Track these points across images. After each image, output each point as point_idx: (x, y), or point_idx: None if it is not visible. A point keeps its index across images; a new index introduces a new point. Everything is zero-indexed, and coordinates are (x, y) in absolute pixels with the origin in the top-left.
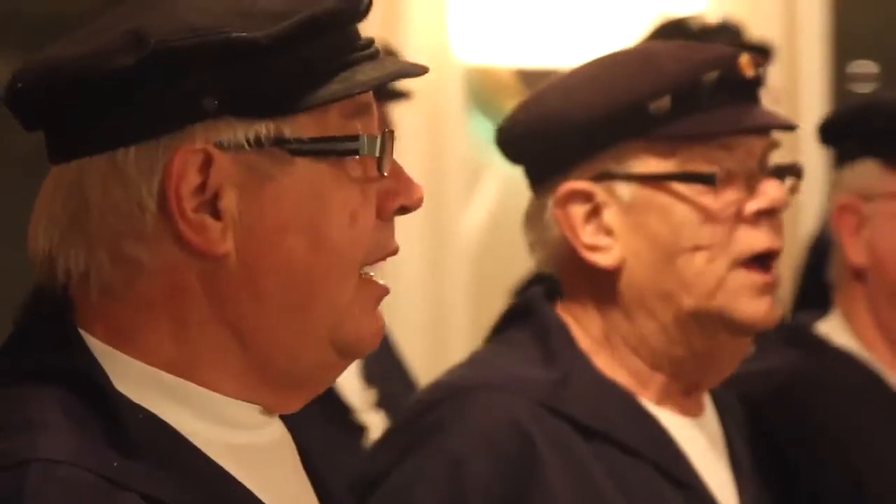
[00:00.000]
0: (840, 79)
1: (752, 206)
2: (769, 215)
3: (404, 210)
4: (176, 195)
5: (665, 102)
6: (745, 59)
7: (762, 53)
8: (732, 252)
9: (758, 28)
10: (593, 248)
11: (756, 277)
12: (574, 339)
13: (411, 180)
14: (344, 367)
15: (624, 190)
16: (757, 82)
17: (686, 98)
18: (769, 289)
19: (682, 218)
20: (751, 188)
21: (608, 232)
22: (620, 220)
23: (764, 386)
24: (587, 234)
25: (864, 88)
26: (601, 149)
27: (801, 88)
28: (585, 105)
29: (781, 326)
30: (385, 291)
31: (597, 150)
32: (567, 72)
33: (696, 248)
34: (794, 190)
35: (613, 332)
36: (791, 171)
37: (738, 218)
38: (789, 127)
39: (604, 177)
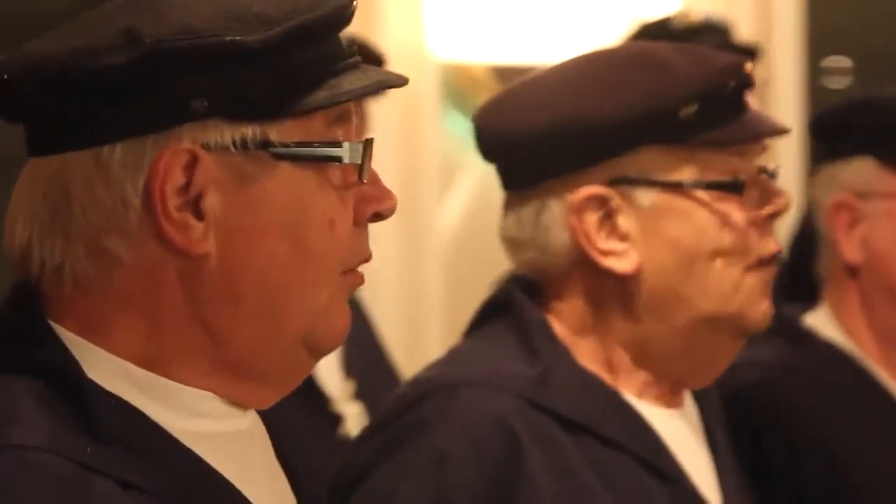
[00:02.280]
0: (814, 74)
1: (766, 211)
2: (773, 218)
3: (379, 217)
4: (160, 194)
5: (692, 109)
6: (750, 66)
7: (753, 55)
8: (749, 257)
9: (732, 23)
10: (608, 254)
11: (762, 280)
12: (555, 334)
13: (386, 188)
14: (314, 364)
15: (643, 195)
16: (751, 87)
17: (711, 105)
18: (768, 290)
19: (703, 224)
20: (761, 193)
21: (623, 237)
22: (638, 225)
23: (749, 377)
24: (602, 240)
25: (839, 83)
26: (619, 153)
27: (775, 84)
28: (605, 108)
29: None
30: (361, 280)
31: (614, 155)
32: (554, 69)
33: (716, 254)
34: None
35: (605, 330)
36: (775, 175)
37: (753, 223)
38: (787, 131)
39: (621, 181)
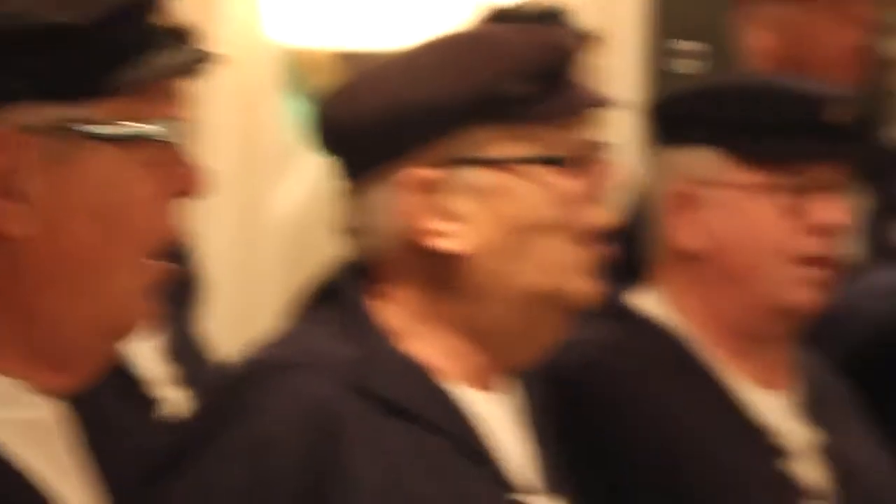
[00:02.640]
0: (660, 57)
1: (592, 184)
2: (600, 192)
3: (185, 195)
4: None
5: (521, 86)
6: (578, 43)
7: (588, 37)
8: (579, 231)
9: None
10: (440, 235)
11: (589, 257)
12: (380, 320)
13: (195, 166)
14: (115, 350)
15: (472, 174)
16: (577, 63)
17: (539, 81)
18: (595, 267)
19: (532, 200)
20: (587, 167)
21: (455, 217)
22: (469, 205)
23: (578, 357)
24: (433, 221)
25: (687, 67)
26: (446, 134)
27: (618, 66)
28: (432, 89)
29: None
30: (164, 271)
31: (441, 136)
32: (399, 55)
33: (547, 229)
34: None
35: (438, 313)
36: (605, 148)
37: (582, 196)
38: (615, 103)
39: (450, 162)
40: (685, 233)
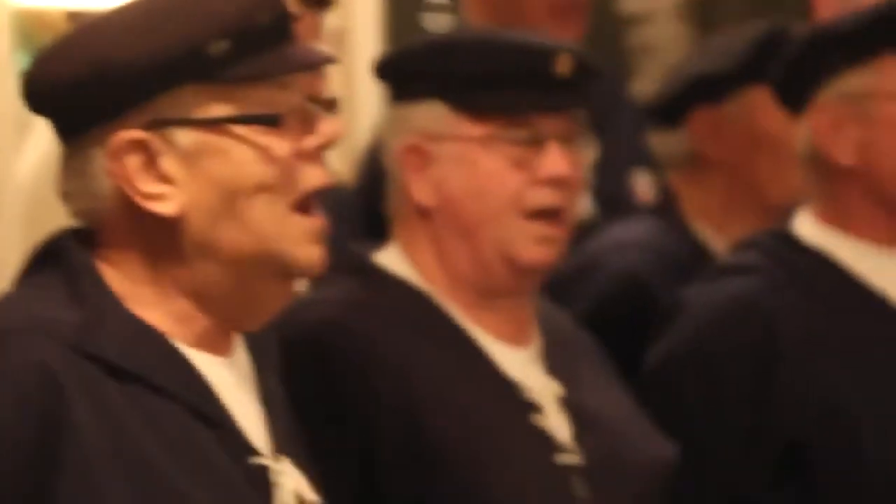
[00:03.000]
0: (408, 11)
1: (311, 143)
2: (321, 150)
3: None
4: None
5: (223, 45)
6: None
7: None
8: (294, 192)
9: None
10: (151, 197)
11: (310, 222)
12: (104, 281)
13: None
14: None
15: (182, 136)
16: (293, 19)
17: (243, 40)
18: (318, 233)
19: (243, 160)
20: (305, 125)
21: (167, 180)
22: (179, 166)
23: (316, 315)
24: (144, 184)
25: (436, 22)
26: (154, 95)
27: (360, 22)
28: (135, 50)
29: (340, 257)
30: None
31: (149, 97)
32: (107, 14)
33: (259, 190)
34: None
35: (162, 277)
36: (332, 105)
37: (298, 156)
38: (335, 62)
39: (159, 124)
40: (418, 188)
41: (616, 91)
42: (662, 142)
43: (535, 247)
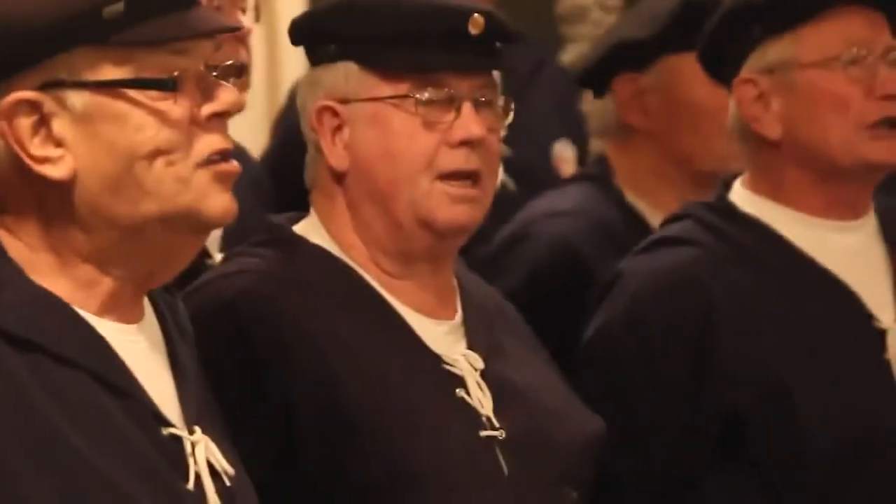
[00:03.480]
0: None
1: (207, 110)
2: (221, 117)
3: None
4: None
5: (118, 7)
6: None
7: None
8: (192, 155)
9: None
10: (43, 161)
11: (215, 173)
12: (4, 250)
13: None
14: None
15: (75, 98)
16: None
17: (138, 3)
18: (224, 181)
19: (138, 124)
20: (204, 92)
21: (59, 143)
22: (72, 129)
23: (234, 285)
24: (35, 146)
25: None
26: (48, 56)
27: None
28: (29, 10)
29: (257, 227)
30: None
31: (43, 58)
32: None
33: (156, 154)
34: (242, 88)
35: (62, 243)
36: (235, 72)
37: (194, 122)
38: (237, 29)
39: (52, 85)
40: (332, 152)
41: (541, 58)
42: (593, 110)
43: (451, 206)
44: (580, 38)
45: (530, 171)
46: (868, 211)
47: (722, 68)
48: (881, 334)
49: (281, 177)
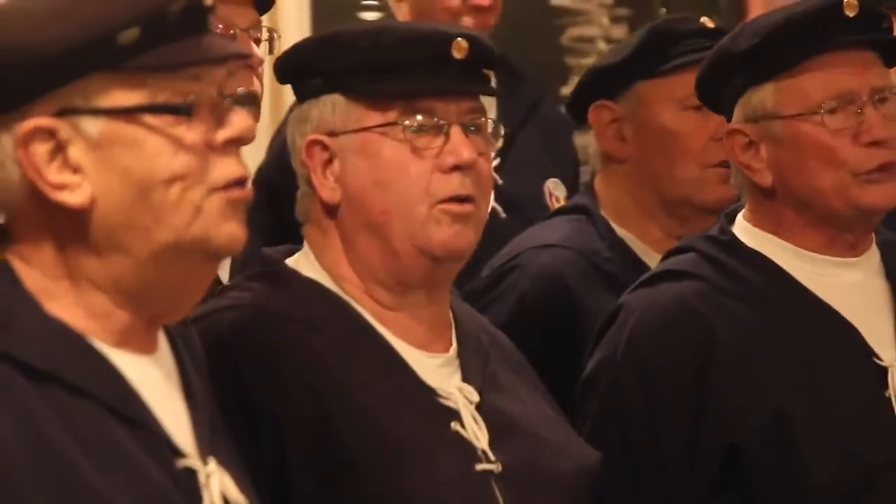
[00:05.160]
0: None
1: (222, 136)
2: (235, 144)
3: None
4: None
5: (133, 33)
6: None
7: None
8: (207, 181)
9: None
10: (60, 187)
11: (226, 201)
12: (19, 280)
13: None
14: None
15: (91, 125)
16: (210, 10)
17: (153, 29)
18: (236, 211)
19: (154, 150)
20: (218, 117)
21: (76, 169)
22: (88, 156)
23: (231, 319)
24: (52, 173)
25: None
26: (63, 82)
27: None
28: (44, 37)
29: (251, 262)
30: None
31: (58, 84)
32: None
33: (171, 180)
34: (255, 118)
35: (77, 272)
36: (248, 100)
37: (209, 147)
38: (250, 55)
39: (68, 112)
40: (323, 185)
41: (540, 96)
42: (582, 141)
43: (447, 227)
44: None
45: (521, 203)
46: (869, 247)
47: (721, 111)
48: (882, 371)
49: (277, 188)
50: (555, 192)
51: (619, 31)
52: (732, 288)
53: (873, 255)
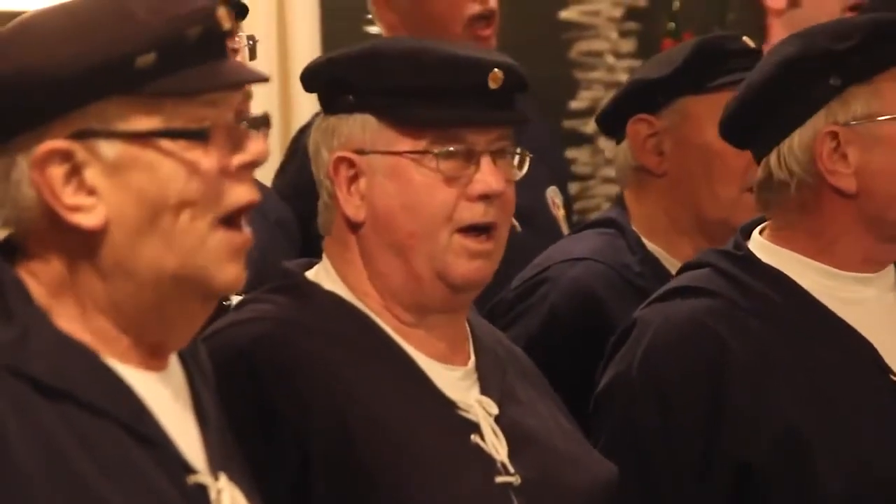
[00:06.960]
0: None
1: (237, 161)
2: (248, 168)
3: None
4: None
5: (150, 58)
6: (222, 13)
7: (236, 6)
8: (219, 208)
9: None
10: (75, 209)
11: (231, 240)
12: (31, 297)
13: None
14: None
15: (107, 148)
16: (227, 35)
17: (171, 54)
18: (238, 252)
19: (168, 174)
20: (234, 142)
21: (91, 191)
22: (104, 179)
23: (250, 332)
24: (68, 195)
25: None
26: (80, 105)
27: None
28: (61, 59)
29: (272, 275)
30: None
31: (75, 107)
32: (26, 19)
33: (183, 206)
34: (265, 138)
35: (83, 291)
36: (263, 122)
37: (224, 172)
38: (265, 79)
39: (84, 134)
40: (348, 202)
41: (532, 105)
42: (615, 155)
43: (467, 262)
44: (593, 84)
45: (531, 215)
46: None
47: (759, 129)
48: None
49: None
50: (556, 199)
51: (628, 46)
52: (747, 304)
53: (889, 272)
